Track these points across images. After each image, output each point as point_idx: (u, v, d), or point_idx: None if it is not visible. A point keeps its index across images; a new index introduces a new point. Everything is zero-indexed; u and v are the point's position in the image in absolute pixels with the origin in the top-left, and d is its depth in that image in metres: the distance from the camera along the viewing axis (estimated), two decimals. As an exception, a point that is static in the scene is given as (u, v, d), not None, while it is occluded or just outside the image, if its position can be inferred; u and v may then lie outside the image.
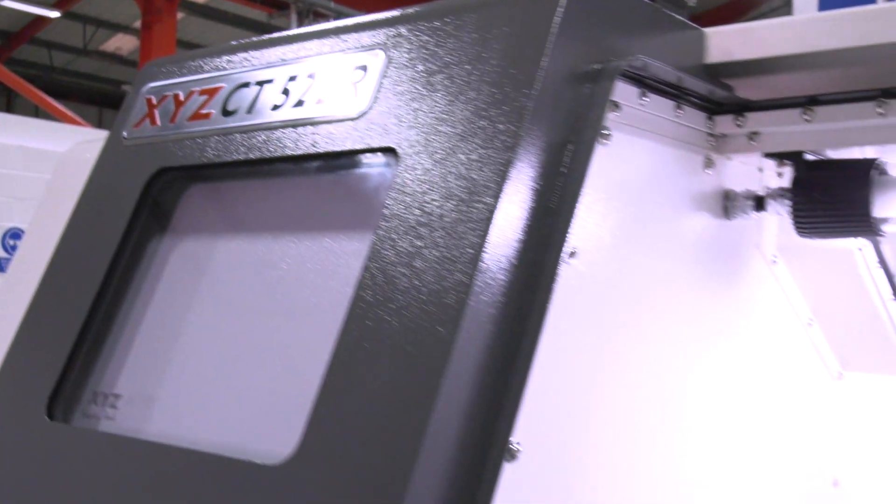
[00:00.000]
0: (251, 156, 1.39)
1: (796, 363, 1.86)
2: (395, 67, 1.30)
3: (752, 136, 1.43)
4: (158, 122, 1.59)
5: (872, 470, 1.96)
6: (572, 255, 1.16)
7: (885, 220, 1.42)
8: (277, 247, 1.35)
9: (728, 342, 1.59)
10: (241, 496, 1.07)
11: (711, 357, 1.55)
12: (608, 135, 1.22)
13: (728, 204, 1.50)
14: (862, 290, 1.74)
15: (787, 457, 1.84)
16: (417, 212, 1.13)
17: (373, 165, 1.29)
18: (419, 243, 1.10)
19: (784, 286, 1.71)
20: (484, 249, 1.05)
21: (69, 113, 10.46)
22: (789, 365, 1.84)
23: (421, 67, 1.27)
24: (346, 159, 1.29)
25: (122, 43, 17.55)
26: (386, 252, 1.13)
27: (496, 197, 1.08)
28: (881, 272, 1.72)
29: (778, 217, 1.53)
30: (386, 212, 1.16)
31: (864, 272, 1.70)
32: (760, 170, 1.60)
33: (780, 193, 1.47)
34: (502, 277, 1.07)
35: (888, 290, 1.76)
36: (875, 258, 1.70)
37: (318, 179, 1.37)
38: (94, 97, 19.66)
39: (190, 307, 1.40)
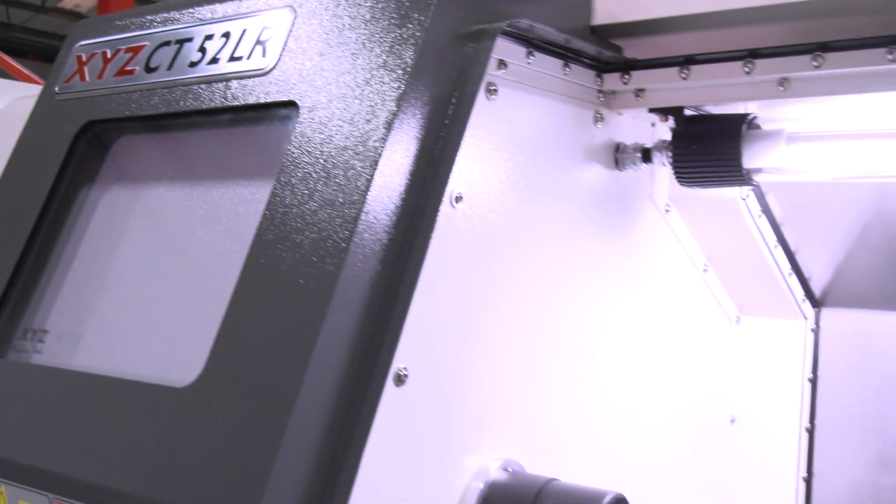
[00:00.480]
0: (170, 110, 1.49)
1: (695, 308, 2.00)
2: (300, 27, 1.40)
3: (638, 92, 1.55)
4: (87, 77, 1.68)
5: (767, 408, 2.11)
6: (459, 199, 1.28)
7: (756, 171, 1.55)
8: (195, 194, 1.46)
9: (626, 288, 1.72)
10: (152, 415, 1.19)
11: (610, 301, 1.66)
12: (495, 90, 1.33)
13: (619, 156, 1.62)
14: (749, 238, 1.87)
15: (688, 396, 1.98)
16: (313, 160, 1.24)
17: (278, 118, 1.39)
18: (313, 188, 1.22)
19: (678, 234, 1.84)
20: (369, 193, 1.17)
21: (27, 72, 10.36)
22: (689, 310, 1.97)
23: (323, 27, 1.37)
24: (254, 112, 1.40)
25: (81, 0, 17.30)
26: (285, 196, 1.24)
27: (382, 145, 1.19)
28: (765, 220, 1.86)
29: (666, 168, 1.66)
30: (286, 160, 1.27)
31: (749, 221, 1.83)
32: (653, 124, 1.72)
33: (663, 146, 1.60)
34: (386, 218, 1.19)
35: (773, 237, 1.90)
36: (758, 207, 1.84)
37: (230, 131, 1.48)
38: (53, 55, 19.36)
39: (113, 250, 1.50)
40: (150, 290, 1.42)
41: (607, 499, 1.29)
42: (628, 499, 1.32)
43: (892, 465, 2.01)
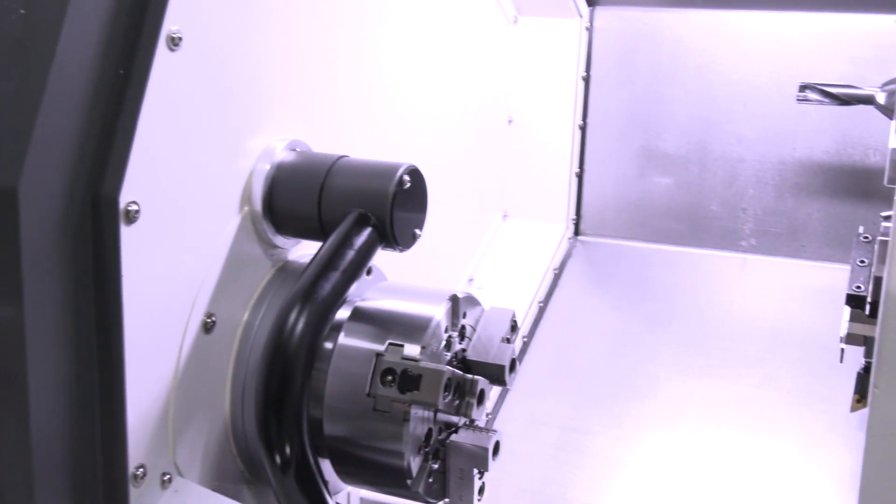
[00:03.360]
0: None
1: (473, 7, 1.96)
2: None
3: None
4: None
5: (543, 108, 2.16)
6: None
7: None
8: None
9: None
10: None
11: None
12: None
13: None
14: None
15: (466, 96, 1.98)
16: None
17: None
18: None
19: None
20: None
21: None
22: (466, 8, 1.94)
23: None
24: None
25: None
26: None
27: None
28: None
29: None
30: None
31: None
32: None
33: None
34: None
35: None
36: None
37: None
38: None
39: None
40: None
41: (403, 167, 1.27)
42: None
43: (654, 156, 2.13)
